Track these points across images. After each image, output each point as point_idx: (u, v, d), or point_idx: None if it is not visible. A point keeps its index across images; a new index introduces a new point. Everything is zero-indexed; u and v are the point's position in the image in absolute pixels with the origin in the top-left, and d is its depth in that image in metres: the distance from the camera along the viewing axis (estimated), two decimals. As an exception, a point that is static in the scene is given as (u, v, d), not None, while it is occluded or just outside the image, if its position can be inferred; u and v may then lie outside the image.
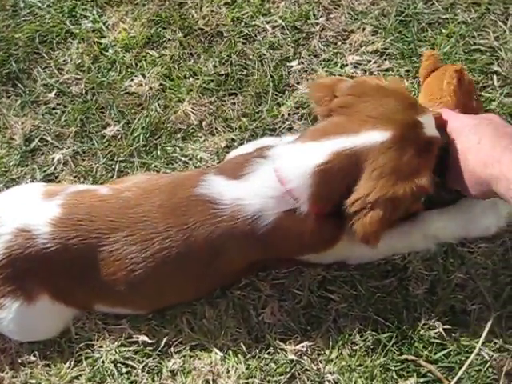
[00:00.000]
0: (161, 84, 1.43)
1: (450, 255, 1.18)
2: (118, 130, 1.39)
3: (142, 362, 1.19)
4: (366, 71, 1.39)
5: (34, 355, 1.23)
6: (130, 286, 1.11)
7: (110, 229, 1.07)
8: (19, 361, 1.24)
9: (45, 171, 1.39)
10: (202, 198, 1.05)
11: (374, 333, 1.14)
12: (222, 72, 1.42)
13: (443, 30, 1.41)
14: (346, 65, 1.40)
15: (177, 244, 1.05)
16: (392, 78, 1.12)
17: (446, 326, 1.13)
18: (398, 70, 1.38)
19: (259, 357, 1.16)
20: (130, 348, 1.20)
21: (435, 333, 1.12)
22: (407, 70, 1.37)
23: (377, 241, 1.01)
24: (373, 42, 1.41)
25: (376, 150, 0.98)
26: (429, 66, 1.25)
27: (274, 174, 1.02)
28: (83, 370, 1.20)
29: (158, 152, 1.36)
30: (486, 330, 1.11)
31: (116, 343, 1.20)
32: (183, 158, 1.35)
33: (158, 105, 1.41)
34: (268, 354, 1.17)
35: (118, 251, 1.07)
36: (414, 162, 0.98)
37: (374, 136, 0.99)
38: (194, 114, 1.38)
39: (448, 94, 1.16)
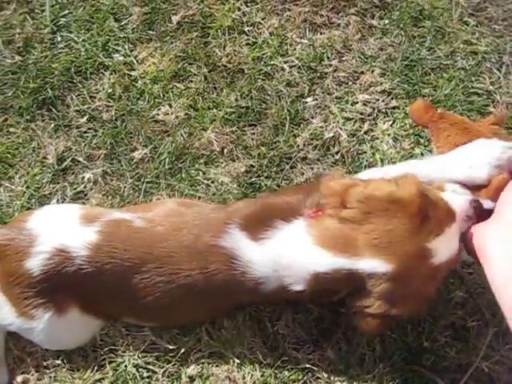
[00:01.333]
0: (186, 113, 1.55)
1: (451, 276, 1.28)
2: (145, 154, 1.50)
3: (163, 367, 1.27)
4: (374, 108, 1.52)
5: (60, 359, 1.31)
6: (156, 309, 1.21)
7: (141, 259, 1.16)
8: (44, 364, 1.31)
9: (75, 189, 1.49)
10: (224, 252, 1.13)
11: (380, 345, 1.23)
12: (243, 105, 1.55)
13: (444, 75, 1.55)
14: (357, 102, 1.53)
15: (197, 283, 1.15)
16: (406, 180, 1.02)
17: (448, 340, 1.22)
18: (403, 108, 1.51)
19: (274, 365, 1.25)
20: (152, 354, 1.28)
21: (438, 345, 1.22)
22: (412, 109, 1.50)
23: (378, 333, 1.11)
24: (381, 83, 1.54)
25: (378, 277, 1.00)
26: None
27: (283, 252, 1.09)
28: (106, 374, 1.28)
29: (183, 175, 1.47)
30: (485, 344, 1.20)
31: (139, 349, 1.28)
32: (206, 181, 1.46)
33: (184, 132, 1.52)
34: (282, 362, 1.25)
35: (147, 280, 1.16)
36: (415, 290, 1.01)
37: (377, 265, 0.99)
38: (216, 141, 1.49)
39: None
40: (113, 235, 1.18)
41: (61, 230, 1.20)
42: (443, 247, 1.00)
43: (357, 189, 1.03)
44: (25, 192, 1.50)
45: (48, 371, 1.31)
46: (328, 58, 1.60)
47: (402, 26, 1.61)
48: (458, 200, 1.04)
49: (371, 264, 1.00)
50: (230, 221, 1.15)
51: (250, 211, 1.16)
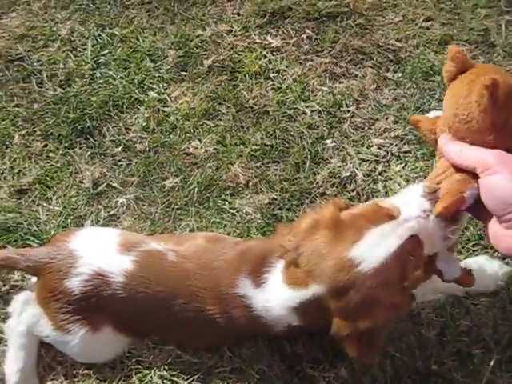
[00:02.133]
0: (215, 148, 1.68)
1: (457, 305, 1.39)
2: (176, 183, 1.62)
3: (187, 379, 1.36)
4: (388, 152, 1.65)
5: (89, 369, 1.39)
6: (183, 335, 1.33)
7: (171, 294, 1.26)
8: (73, 373, 1.40)
9: (108, 212, 1.60)
10: (240, 300, 1.23)
11: (391, 367, 1.33)
12: (268, 143, 1.68)
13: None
14: (372, 146, 1.67)
15: (220, 322, 1.25)
16: (326, 204, 1.12)
17: (455, 364, 1.32)
18: (414, 153, 1.64)
19: (291, 381, 1.33)
20: (177, 367, 1.37)
21: (445, 369, 1.31)
22: (422, 153, 1.64)
23: (372, 357, 1.21)
24: (394, 129, 1.68)
25: (324, 299, 1.07)
26: (453, 69, 1.03)
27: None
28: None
29: (210, 204, 1.59)
30: (488, 370, 1.30)
31: (164, 361, 1.37)
32: (231, 211, 1.58)
33: (212, 165, 1.65)
34: (299, 379, 1.34)
35: (175, 312, 1.26)
36: (366, 299, 1.03)
37: (316, 289, 1.07)
38: (242, 175, 1.62)
39: (477, 114, 0.97)
40: (147, 266, 1.28)
41: (101, 254, 1.30)
42: (367, 253, 1.01)
43: (288, 234, 1.14)
44: (61, 212, 1.61)
45: (76, 380, 1.39)
46: (346, 104, 1.74)
47: (414, 79, 1.77)
48: (407, 201, 1.06)
49: (313, 290, 1.08)
50: (242, 266, 1.24)
51: (253, 256, 1.26)
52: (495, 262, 1.39)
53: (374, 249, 1.01)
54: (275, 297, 1.19)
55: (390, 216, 1.04)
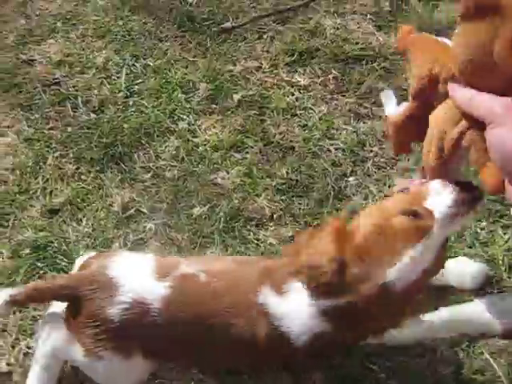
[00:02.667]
0: (242, 180, 1.74)
1: (473, 343, 1.43)
2: (203, 211, 1.68)
3: (208, 403, 1.40)
4: (409, 193, 1.71)
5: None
6: (213, 359, 1.34)
7: (205, 315, 1.27)
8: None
9: (136, 236, 1.65)
10: (262, 309, 1.25)
11: (408, 401, 1.37)
12: (293, 178, 1.74)
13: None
14: (393, 185, 1.72)
15: (248, 337, 1.25)
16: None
17: (470, 403, 1.36)
18: (434, 195, 1.70)
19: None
20: (199, 390, 1.41)
21: (460, 407, 1.35)
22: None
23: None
24: (415, 170, 1.75)
25: None
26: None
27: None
28: (155, 405, 1.40)
29: (236, 233, 1.64)
30: (502, 410, 1.34)
31: (187, 384, 1.41)
32: (256, 241, 1.63)
33: (238, 196, 1.71)
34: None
35: (211, 335, 1.27)
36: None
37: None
38: (267, 207, 1.68)
39: (501, 62, 0.85)
40: (182, 292, 1.29)
41: (140, 282, 1.31)
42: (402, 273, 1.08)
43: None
44: (90, 234, 1.66)
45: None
46: (369, 144, 1.81)
47: (435, 123, 1.84)
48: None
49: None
50: (265, 279, 1.28)
51: (276, 270, 1.29)
52: (474, 263, 1.49)
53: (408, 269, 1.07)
54: (297, 303, 1.22)
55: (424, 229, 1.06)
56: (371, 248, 1.10)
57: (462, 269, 1.47)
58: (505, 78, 0.86)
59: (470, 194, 1.05)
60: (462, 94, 0.91)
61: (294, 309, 1.23)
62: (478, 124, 0.89)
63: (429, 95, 1.02)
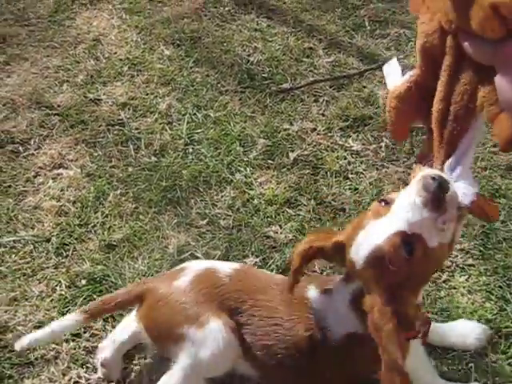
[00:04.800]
0: (294, 235, 1.81)
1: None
2: (255, 262, 1.74)
3: None
4: (453, 262, 1.77)
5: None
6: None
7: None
8: None
9: (190, 279, 1.72)
10: (306, 302, 1.36)
11: None
12: (342, 238, 1.81)
13: (514, 248, 1.83)
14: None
15: (285, 330, 1.34)
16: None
17: None
18: (478, 267, 1.77)
19: None
20: None
21: None
22: (485, 269, 1.76)
23: None
24: (461, 243, 1.80)
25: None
26: None
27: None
28: None
29: (286, 286, 1.71)
30: None
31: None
32: (305, 296, 1.69)
33: (290, 251, 1.77)
34: None
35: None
36: None
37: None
38: (317, 264, 1.74)
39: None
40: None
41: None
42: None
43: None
44: (146, 272, 1.72)
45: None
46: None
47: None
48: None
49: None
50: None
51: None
52: (477, 324, 1.55)
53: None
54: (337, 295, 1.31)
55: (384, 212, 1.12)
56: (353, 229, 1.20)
57: (465, 330, 1.53)
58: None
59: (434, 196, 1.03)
60: (471, 42, 0.86)
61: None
62: (488, 76, 0.86)
63: (436, 55, 0.95)
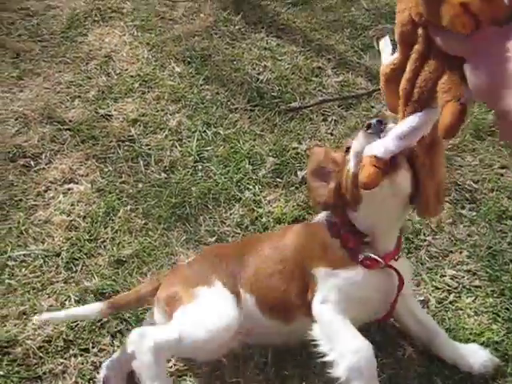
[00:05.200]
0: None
1: None
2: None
3: None
4: (459, 284, 1.78)
5: None
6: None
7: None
8: None
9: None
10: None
11: None
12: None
13: (521, 269, 1.84)
14: (445, 276, 1.80)
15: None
16: None
17: None
18: (485, 289, 1.77)
19: None
20: None
21: None
22: (492, 290, 1.76)
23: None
24: (467, 263, 1.82)
25: None
26: None
27: None
28: None
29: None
30: None
31: None
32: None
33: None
34: None
35: None
36: None
37: None
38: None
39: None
40: None
41: None
42: None
43: None
44: (154, 288, 1.74)
45: None
46: (424, 233, 1.90)
47: (487, 219, 1.93)
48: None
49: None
50: None
51: None
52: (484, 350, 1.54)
53: None
54: None
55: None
56: None
57: (474, 354, 1.53)
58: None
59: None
60: (440, 35, 0.89)
61: None
62: (451, 65, 0.90)
63: (412, 42, 0.98)
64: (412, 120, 1.03)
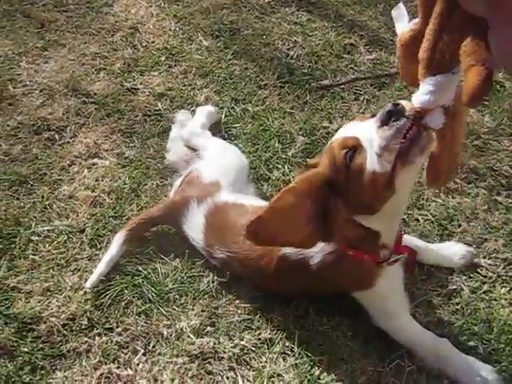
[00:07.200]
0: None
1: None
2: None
3: None
4: (494, 273, 1.72)
5: None
6: None
7: None
8: None
9: (221, 277, 1.68)
10: None
11: None
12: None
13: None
14: (480, 264, 1.74)
15: None
16: None
17: None
18: (521, 280, 1.72)
19: None
20: None
21: None
22: (529, 285, 1.71)
23: None
24: (503, 252, 1.76)
25: None
26: None
27: None
28: None
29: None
30: None
31: None
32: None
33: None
34: None
35: None
36: None
37: None
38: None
39: None
40: None
41: None
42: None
43: None
44: (177, 268, 1.69)
45: None
46: (458, 219, 1.84)
47: (524, 214, 1.86)
48: None
49: None
50: None
51: None
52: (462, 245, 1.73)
53: None
54: None
55: None
56: None
57: (451, 250, 1.71)
58: None
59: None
60: None
61: None
62: (475, 27, 0.86)
63: (433, 6, 0.94)
64: (436, 78, 0.99)
